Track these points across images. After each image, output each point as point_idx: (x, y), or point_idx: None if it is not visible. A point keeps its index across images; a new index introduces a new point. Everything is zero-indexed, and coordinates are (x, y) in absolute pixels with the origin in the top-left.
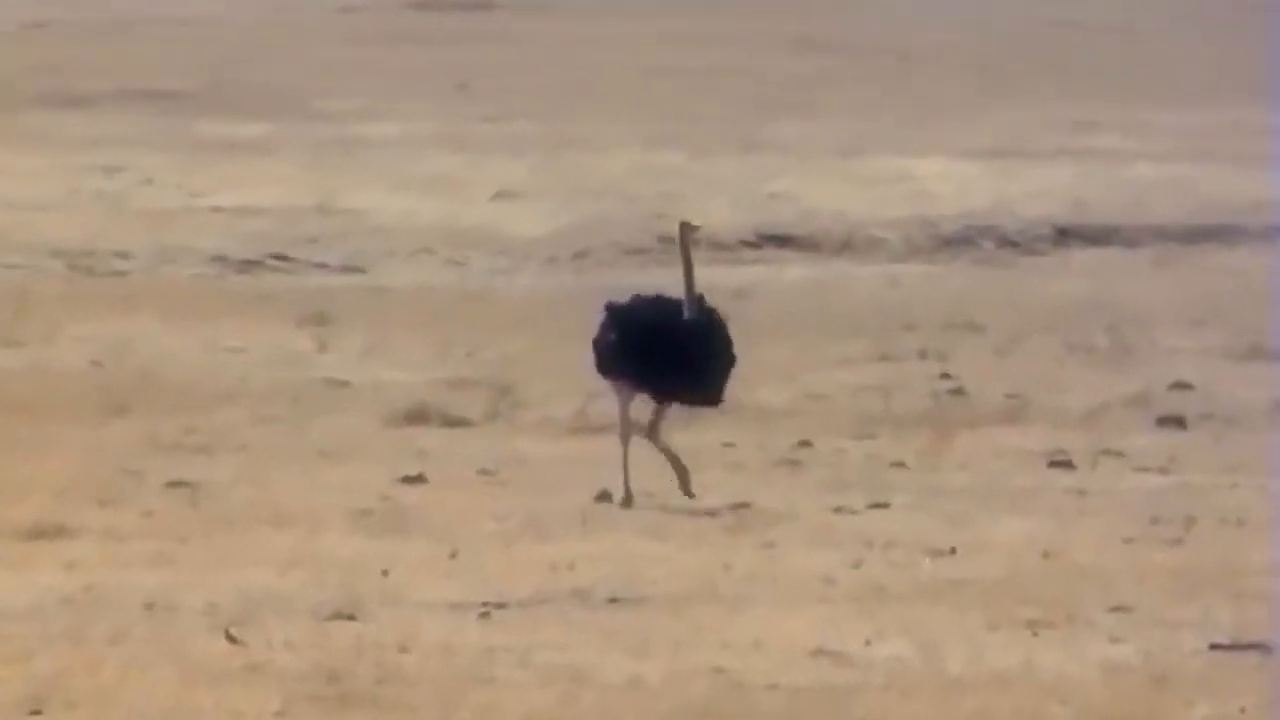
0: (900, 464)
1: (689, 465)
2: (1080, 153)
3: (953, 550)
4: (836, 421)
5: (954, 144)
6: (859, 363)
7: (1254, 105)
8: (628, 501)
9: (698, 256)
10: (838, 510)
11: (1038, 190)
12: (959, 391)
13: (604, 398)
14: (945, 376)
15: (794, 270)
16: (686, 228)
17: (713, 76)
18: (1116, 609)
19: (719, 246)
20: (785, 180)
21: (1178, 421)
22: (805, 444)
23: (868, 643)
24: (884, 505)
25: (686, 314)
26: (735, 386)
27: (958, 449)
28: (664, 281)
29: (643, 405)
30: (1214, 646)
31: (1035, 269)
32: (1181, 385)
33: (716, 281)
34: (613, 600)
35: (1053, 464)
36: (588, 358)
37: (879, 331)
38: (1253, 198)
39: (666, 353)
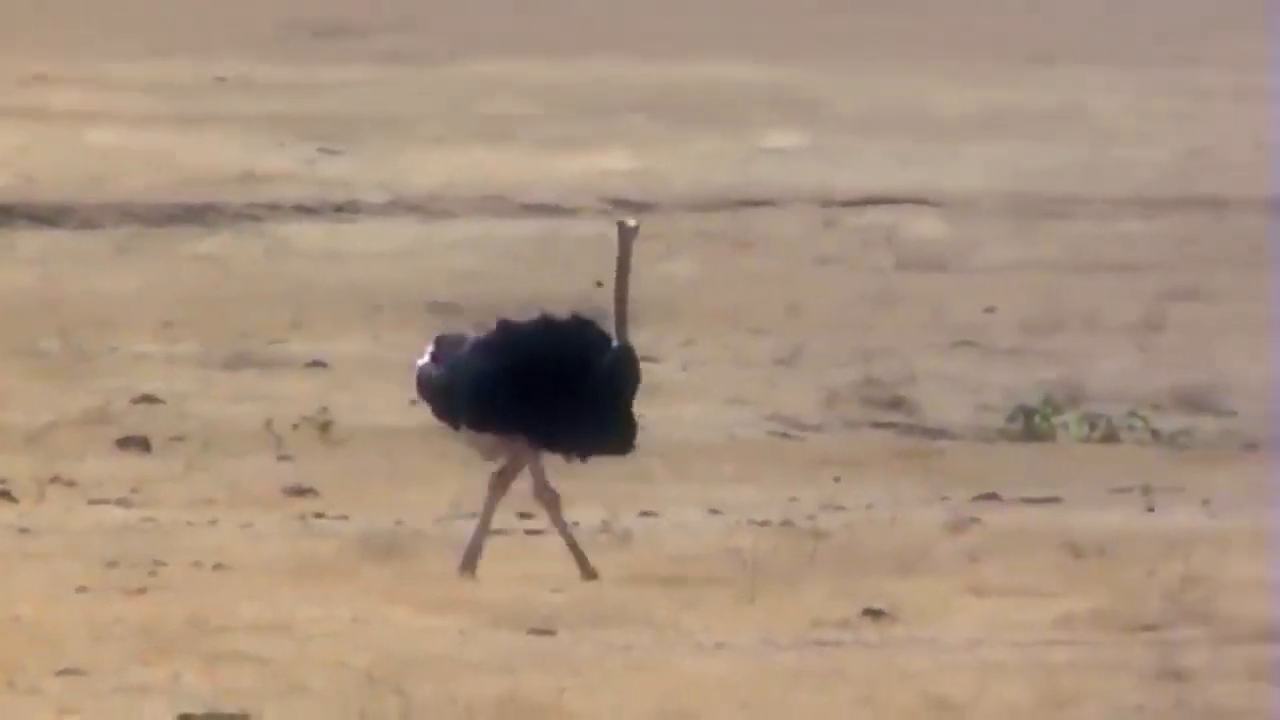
0: None
1: None
2: (28, 114)
3: None
4: None
5: None
6: None
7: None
8: (469, 568)
9: None
10: None
11: None
12: None
13: None
14: None
15: None
16: (627, 230)
17: None
18: (67, 672)
19: None
20: None
21: (142, 443)
22: None
23: None
24: None
25: (615, 341)
26: None
27: None
28: None
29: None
30: (184, 717)
31: None
32: (148, 399)
33: None
34: None
35: None
36: None
37: None
38: (239, 170)
39: (575, 395)
